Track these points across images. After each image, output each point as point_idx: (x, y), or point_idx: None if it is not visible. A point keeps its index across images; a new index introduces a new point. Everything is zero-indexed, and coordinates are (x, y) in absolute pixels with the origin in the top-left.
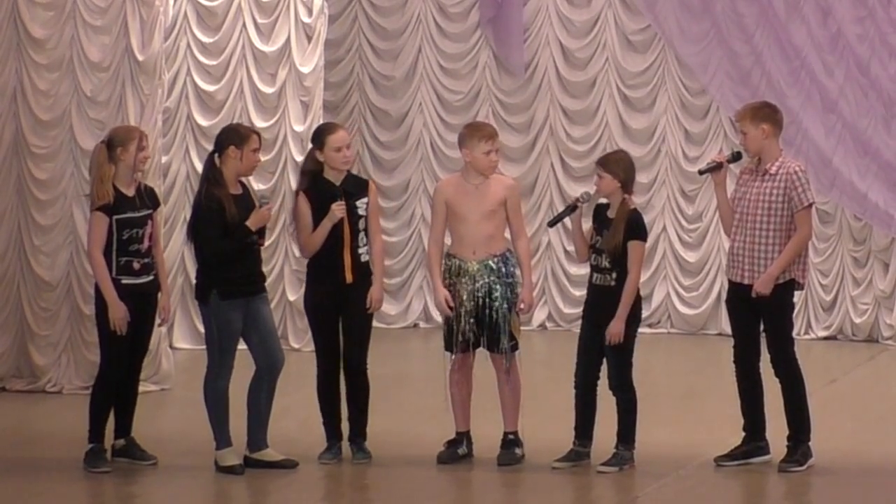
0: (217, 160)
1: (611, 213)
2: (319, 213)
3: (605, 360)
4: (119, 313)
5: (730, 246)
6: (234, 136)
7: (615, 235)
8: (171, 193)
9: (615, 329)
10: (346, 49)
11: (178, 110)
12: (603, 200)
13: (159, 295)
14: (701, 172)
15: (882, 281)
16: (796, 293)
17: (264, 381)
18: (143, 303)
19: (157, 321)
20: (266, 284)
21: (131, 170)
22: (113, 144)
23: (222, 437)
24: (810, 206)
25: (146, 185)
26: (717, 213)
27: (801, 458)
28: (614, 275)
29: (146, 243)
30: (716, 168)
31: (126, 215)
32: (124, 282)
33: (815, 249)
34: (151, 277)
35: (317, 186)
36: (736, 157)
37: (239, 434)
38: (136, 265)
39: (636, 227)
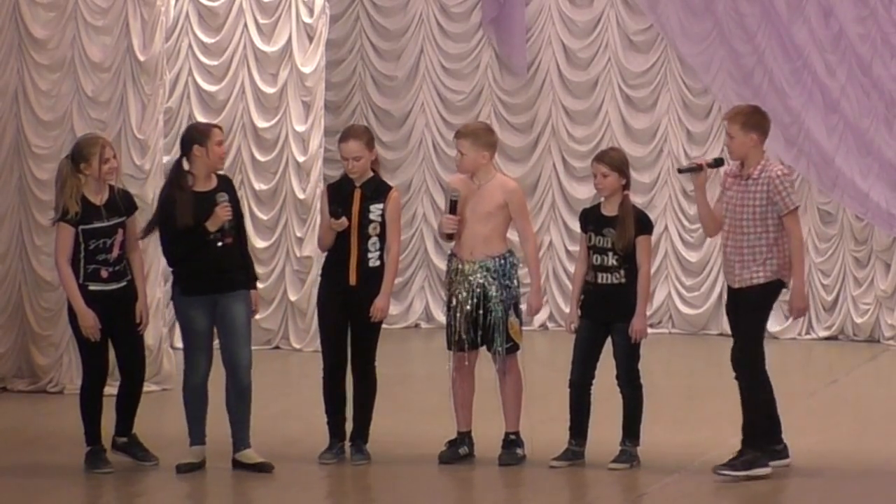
0: (185, 163)
1: (609, 212)
2: (334, 210)
3: (607, 357)
4: (88, 321)
5: (722, 251)
6: (194, 136)
7: (626, 232)
8: None
9: (640, 325)
10: (348, 49)
11: (180, 111)
12: (596, 201)
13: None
14: (680, 171)
15: (883, 281)
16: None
17: (230, 382)
18: (117, 307)
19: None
20: (266, 285)
21: (98, 181)
22: (76, 159)
23: (189, 435)
24: (795, 209)
25: (121, 189)
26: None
27: (742, 465)
28: (623, 272)
29: (115, 252)
30: (696, 170)
31: (92, 225)
32: (91, 288)
33: (816, 249)
34: (123, 284)
35: (339, 183)
36: (718, 163)
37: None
38: (104, 273)
39: (645, 222)
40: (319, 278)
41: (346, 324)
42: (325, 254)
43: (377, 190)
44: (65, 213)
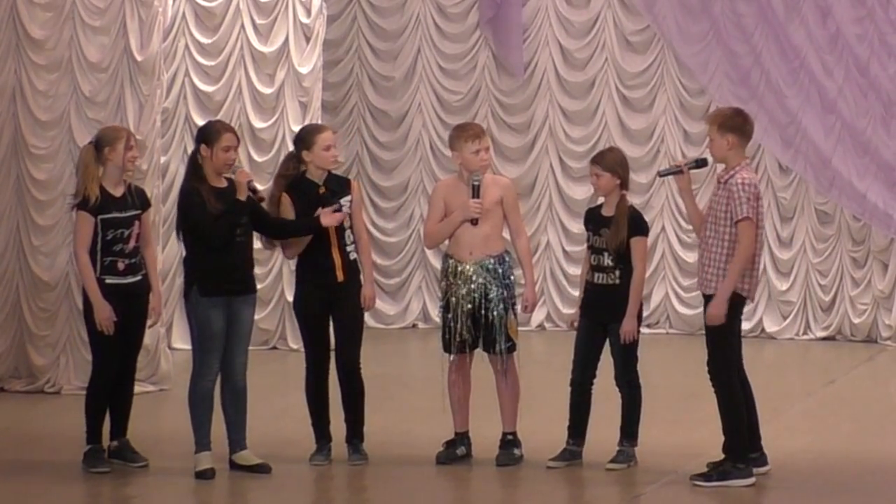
0: (199, 157)
1: (607, 212)
2: (303, 214)
3: (609, 358)
4: (104, 314)
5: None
6: (206, 134)
7: (619, 233)
8: (170, 193)
9: (629, 326)
10: (346, 49)
11: (177, 111)
12: (599, 201)
13: (151, 296)
14: (660, 175)
15: (881, 281)
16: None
17: (225, 384)
18: (131, 302)
19: (149, 322)
20: (264, 285)
21: (120, 170)
22: (100, 145)
23: (199, 441)
24: (746, 219)
25: (136, 185)
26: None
27: (717, 476)
28: (618, 272)
29: (132, 244)
30: (676, 172)
31: (111, 215)
32: (108, 281)
33: (813, 250)
34: (139, 278)
35: (300, 187)
36: (700, 163)
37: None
38: (120, 265)
39: (639, 223)
40: (297, 282)
41: (329, 323)
42: (297, 257)
43: (339, 183)
44: (85, 201)
